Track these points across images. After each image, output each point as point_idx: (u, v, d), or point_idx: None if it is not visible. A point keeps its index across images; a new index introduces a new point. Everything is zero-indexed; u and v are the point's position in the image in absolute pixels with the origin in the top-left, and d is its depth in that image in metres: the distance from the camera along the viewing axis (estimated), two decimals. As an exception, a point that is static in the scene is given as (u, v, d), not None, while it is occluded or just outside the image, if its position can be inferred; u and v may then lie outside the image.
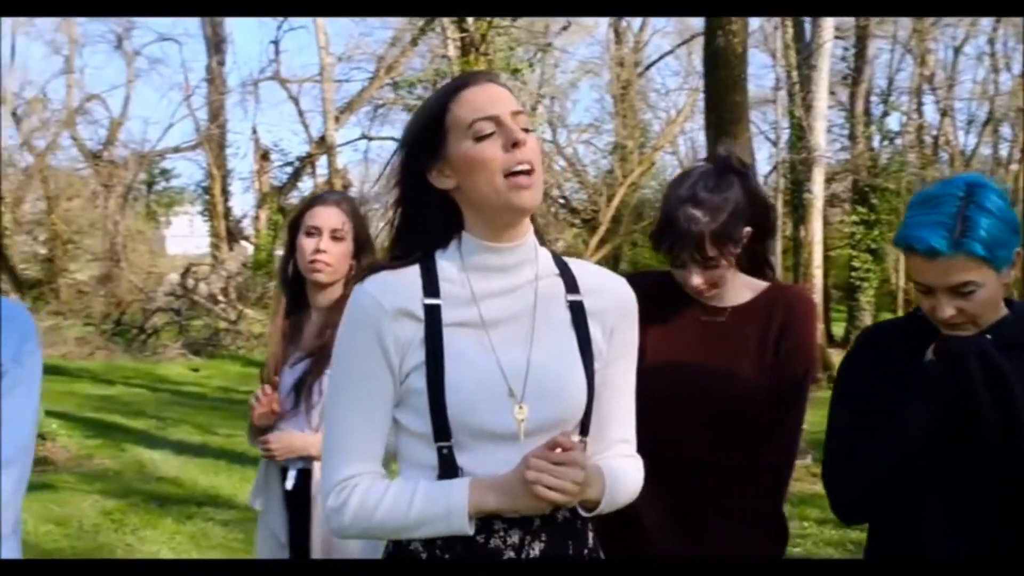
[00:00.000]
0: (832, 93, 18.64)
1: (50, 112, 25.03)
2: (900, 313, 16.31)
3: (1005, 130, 25.25)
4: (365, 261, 2.78)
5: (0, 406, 1.81)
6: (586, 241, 21.23)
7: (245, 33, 52.58)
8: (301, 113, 24.51)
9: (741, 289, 2.29)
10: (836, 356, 13.31)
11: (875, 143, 21.23)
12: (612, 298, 1.78)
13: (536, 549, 1.66)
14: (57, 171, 24.42)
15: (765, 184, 19.27)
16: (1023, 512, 1.91)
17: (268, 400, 2.82)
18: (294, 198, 23.49)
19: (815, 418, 2.00)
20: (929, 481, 1.95)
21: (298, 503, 2.80)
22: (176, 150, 25.80)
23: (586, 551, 1.72)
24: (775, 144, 17.58)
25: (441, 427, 1.63)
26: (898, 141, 22.16)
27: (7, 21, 22.23)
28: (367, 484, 1.66)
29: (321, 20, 20.34)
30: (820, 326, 15.37)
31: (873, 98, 21.71)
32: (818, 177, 15.32)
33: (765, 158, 21.74)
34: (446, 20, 15.57)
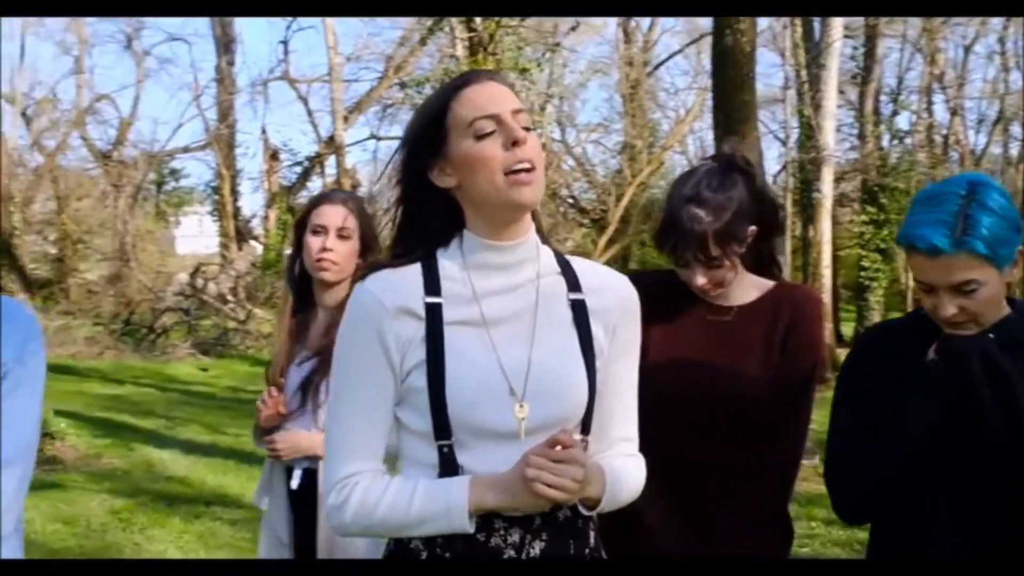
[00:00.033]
0: (841, 92, 18.57)
1: (60, 112, 25.22)
2: (910, 313, 16.19)
3: (1015, 129, 25.08)
4: (369, 259, 2.78)
5: (2, 406, 1.82)
6: (595, 241, 21.19)
7: (254, 33, 52.79)
8: (310, 113, 24.61)
9: (747, 288, 2.28)
10: (845, 356, 13.25)
11: (885, 142, 21.11)
12: (614, 296, 1.78)
13: (537, 548, 1.65)
14: (67, 171, 24.56)
15: (774, 184, 19.29)
16: (1025, 512, 1.90)
17: (274, 403, 2.82)
18: (303, 198, 23.45)
19: (823, 418, 2.01)
20: (931, 481, 1.94)
21: (302, 503, 2.80)
22: (186, 150, 25.88)
23: (588, 550, 1.72)
24: (784, 143, 17.59)
25: (442, 425, 1.63)
26: (908, 140, 22.06)
27: (17, 21, 22.33)
28: (368, 482, 1.66)
29: (330, 20, 20.39)
30: (829, 326, 15.35)
31: (883, 97, 21.58)
32: (827, 176, 15.29)
33: (774, 157, 21.75)
34: (454, 20, 15.60)
